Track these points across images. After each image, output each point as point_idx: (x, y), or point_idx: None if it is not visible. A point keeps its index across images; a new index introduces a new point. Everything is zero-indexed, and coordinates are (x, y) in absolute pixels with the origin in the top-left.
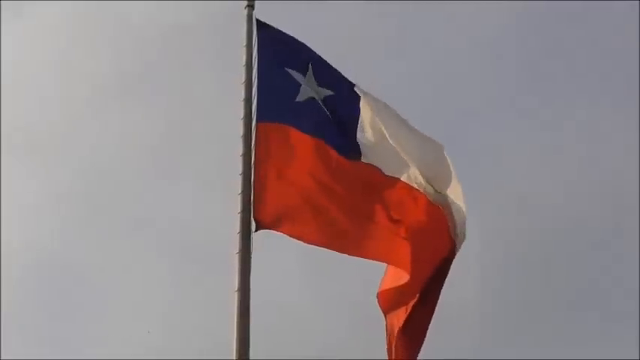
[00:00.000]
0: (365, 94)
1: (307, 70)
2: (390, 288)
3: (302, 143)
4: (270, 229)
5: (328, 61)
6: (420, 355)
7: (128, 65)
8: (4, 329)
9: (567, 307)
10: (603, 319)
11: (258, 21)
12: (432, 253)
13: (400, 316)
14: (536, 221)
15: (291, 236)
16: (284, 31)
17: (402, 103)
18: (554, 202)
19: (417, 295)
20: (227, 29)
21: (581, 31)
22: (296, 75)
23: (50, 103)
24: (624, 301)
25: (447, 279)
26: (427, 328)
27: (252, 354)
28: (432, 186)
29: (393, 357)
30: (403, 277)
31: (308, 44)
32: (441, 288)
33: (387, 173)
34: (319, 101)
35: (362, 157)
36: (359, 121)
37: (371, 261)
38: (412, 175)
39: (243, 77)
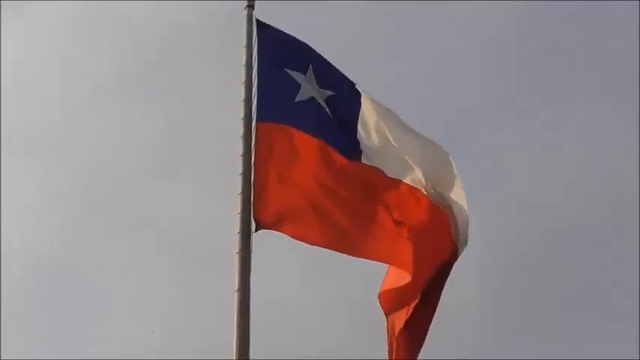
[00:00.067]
0: (368, 95)
1: (307, 71)
2: (391, 288)
3: (305, 144)
4: (270, 229)
5: (329, 60)
6: (420, 355)
7: (128, 65)
8: (4, 329)
9: (567, 307)
10: (603, 319)
11: (258, 21)
12: (433, 253)
13: (401, 316)
14: (536, 221)
15: (292, 237)
16: (284, 31)
17: (402, 103)
18: (554, 202)
19: (419, 296)
20: (227, 29)
21: (581, 31)
22: (296, 75)
23: (50, 103)
24: (624, 301)
25: (447, 279)
26: (428, 329)
27: (252, 354)
28: (434, 189)
29: (394, 357)
30: (405, 278)
31: (308, 44)
32: (442, 289)
33: (389, 175)
34: (320, 101)
35: (363, 158)
36: (359, 120)
37: (371, 261)
38: (415, 177)
39: (243, 77)
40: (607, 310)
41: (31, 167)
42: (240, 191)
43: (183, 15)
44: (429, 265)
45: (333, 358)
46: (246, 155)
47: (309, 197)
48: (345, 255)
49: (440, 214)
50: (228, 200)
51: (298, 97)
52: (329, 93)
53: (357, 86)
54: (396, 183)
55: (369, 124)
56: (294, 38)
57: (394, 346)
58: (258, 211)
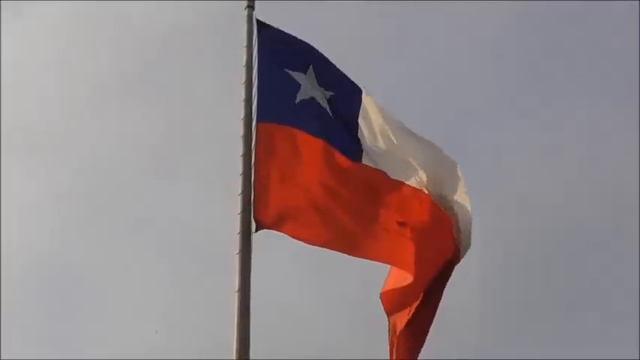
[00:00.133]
0: (371, 96)
1: (308, 70)
2: (393, 288)
3: (308, 145)
4: (270, 229)
5: (330, 60)
6: (420, 355)
7: (128, 65)
8: (4, 329)
9: (567, 307)
10: (603, 319)
11: (258, 21)
12: (435, 254)
13: (403, 316)
14: (536, 221)
15: (293, 237)
16: (284, 31)
17: (402, 103)
18: (554, 202)
19: (421, 296)
20: (227, 29)
21: (581, 31)
22: (296, 75)
23: (50, 103)
24: (624, 301)
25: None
26: (429, 329)
27: (252, 354)
28: (437, 191)
29: (394, 357)
30: (407, 278)
31: (309, 43)
32: (444, 289)
33: (392, 177)
34: (320, 101)
35: (365, 159)
36: (359, 120)
37: (371, 261)
38: (418, 179)
39: (243, 77)
40: (607, 310)
41: (31, 167)
42: (240, 191)
43: (183, 15)
44: (431, 265)
45: (333, 358)
46: (247, 155)
47: (311, 198)
48: (346, 255)
49: (442, 215)
50: (228, 200)
51: (299, 98)
52: (330, 93)
53: (361, 87)
54: (399, 185)
55: (372, 124)
56: (294, 38)
57: (395, 346)
58: (258, 212)
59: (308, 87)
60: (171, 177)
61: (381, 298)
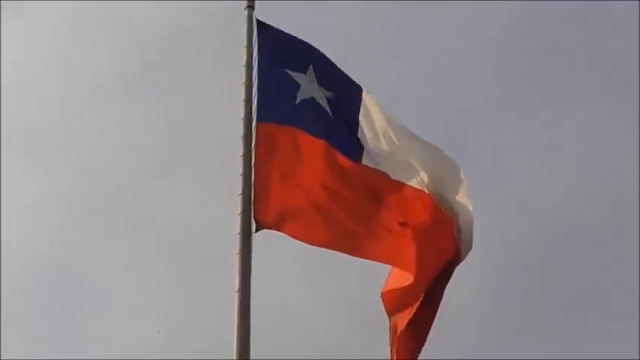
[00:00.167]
0: (371, 94)
1: (308, 70)
2: (394, 289)
3: (309, 146)
4: (271, 229)
5: (331, 59)
6: (421, 355)
7: (128, 65)
8: (4, 329)
9: (567, 307)
10: (603, 319)
11: (258, 21)
12: (436, 254)
13: (404, 317)
14: (536, 221)
15: (293, 237)
16: (284, 31)
17: (402, 103)
18: (554, 202)
19: (422, 296)
20: (227, 29)
21: (581, 31)
22: (296, 76)
23: (50, 103)
24: (624, 301)
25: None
26: (429, 329)
27: (252, 354)
28: (438, 192)
29: (395, 357)
30: (408, 279)
31: (310, 43)
32: (444, 289)
33: (393, 178)
34: (321, 101)
35: (365, 159)
36: (360, 120)
37: (371, 261)
38: (419, 179)
39: (243, 78)
40: (607, 310)
41: (31, 167)
42: (240, 192)
43: (183, 15)
44: (432, 265)
45: (333, 358)
46: (247, 156)
47: (312, 198)
48: (346, 255)
49: (443, 216)
50: (228, 200)
51: (299, 98)
52: (330, 93)
53: (362, 87)
54: (400, 185)
55: (373, 124)
56: (295, 38)
57: (396, 346)
58: (258, 212)
59: (308, 87)
60: (171, 177)
61: (382, 297)
